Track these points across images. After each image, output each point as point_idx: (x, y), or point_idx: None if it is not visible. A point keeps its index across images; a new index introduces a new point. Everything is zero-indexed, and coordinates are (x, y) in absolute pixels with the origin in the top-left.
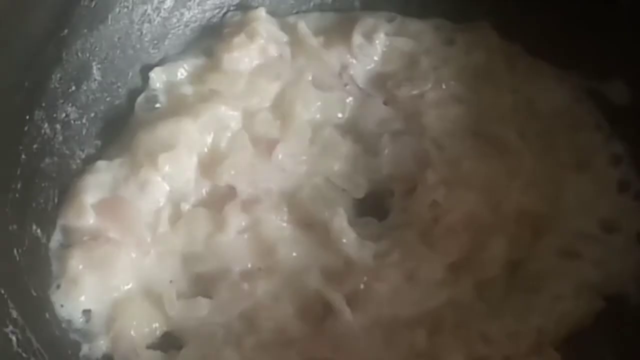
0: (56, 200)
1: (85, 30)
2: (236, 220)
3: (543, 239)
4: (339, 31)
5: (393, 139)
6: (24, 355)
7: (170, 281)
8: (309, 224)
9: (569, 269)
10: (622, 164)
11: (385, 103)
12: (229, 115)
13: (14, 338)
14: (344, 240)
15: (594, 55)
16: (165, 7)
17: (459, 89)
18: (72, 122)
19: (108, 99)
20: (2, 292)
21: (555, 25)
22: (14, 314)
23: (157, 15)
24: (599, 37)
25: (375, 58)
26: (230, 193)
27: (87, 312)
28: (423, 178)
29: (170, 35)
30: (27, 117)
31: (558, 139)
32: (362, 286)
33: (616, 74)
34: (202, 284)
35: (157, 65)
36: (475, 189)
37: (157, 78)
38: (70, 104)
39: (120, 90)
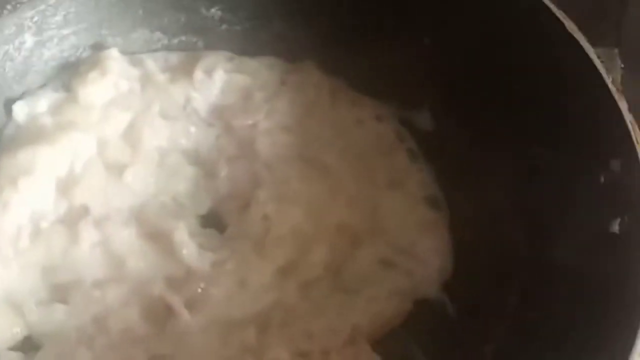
0: None
1: None
2: (89, 235)
3: (361, 248)
4: (183, 68)
5: (229, 163)
6: None
7: (31, 290)
8: (156, 238)
9: (384, 276)
10: (430, 184)
11: (223, 132)
12: (84, 142)
13: None
14: (185, 251)
15: (404, 88)
16: (26, 46)
17: (288, 119)
18: None
19: None
20: None
21: (372, 62)
22: None
23: (19, 54)
24: (408, 72)
25: (215, 92)
26: (84, 211)
27: None
28: (256, 196)
29: (31, 72)
30: None
31: (374, 163)
32: (199, 291)
33: (423, 104)
34: (59, 293)
35: (19, 98)
36: (301, 205)
37: (20, 110)
38: None
39: None
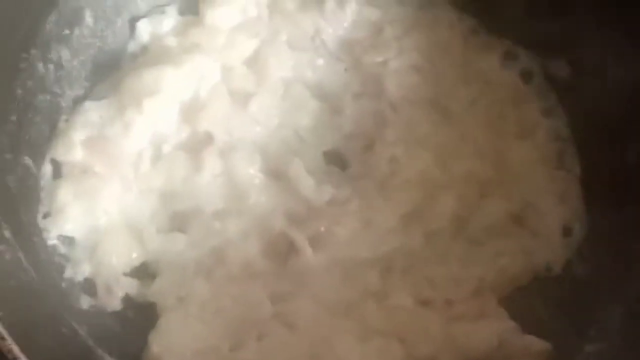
0: (47, 135)
1: None
2: (212, 164)
3: (489, 199)
4: None
5: (355, 100)
6: (14, 272)
7: (150, 216)
8: (277, 173)
9: (512, 231)
10: (562, 137)
11: (351, 67)
12: (209, 67)
13: (6, 256)
14: (302, 186)
15: (541, 35)
16: None
17: (419, 59)
18: (64, 63)
19: (98, 44)
20: None
21: (507, 5)
22: (7, 234)
23: None
24: (546, 20)
25: (345, 25)
26: (207, 139)
27: (71, 239)
28: (382, 136)
29: None
30: (24, 55)
31: (505, 110)
32: (323, 229)
33: (560, 53)
34: (178, 221)
35: (144, 16)
36: (429, 150)
37: (144, 28)
38: (63, 46)
39: (109, 37)
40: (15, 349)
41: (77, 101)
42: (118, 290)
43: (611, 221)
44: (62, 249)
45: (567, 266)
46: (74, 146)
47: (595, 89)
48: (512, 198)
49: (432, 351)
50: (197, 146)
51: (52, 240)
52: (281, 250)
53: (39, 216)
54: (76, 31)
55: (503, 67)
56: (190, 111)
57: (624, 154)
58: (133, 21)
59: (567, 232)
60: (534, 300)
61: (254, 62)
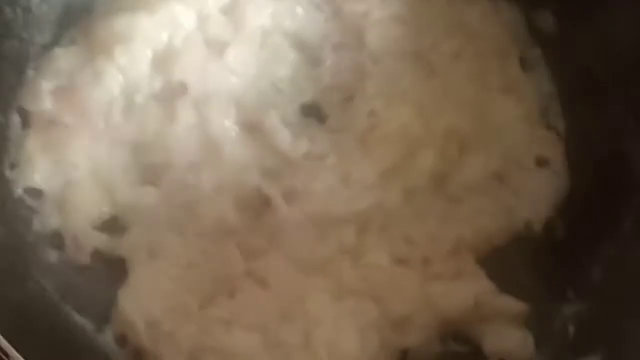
0: (15, 83)
1: None
2: (186, 116)
3: (469, 156)
4: None
5: (335, 51)
6: None
7: (121, 168)
8: (253, 125)
9: (492, 188)
10: (547, 91)
11: (332, 17)
12: (185, 14)
13: None
14: (278, 138)
15: None
16: None
17: (401, 10)
18: (33, 7)
19: None
20: None
21: None
22: None
23: None
24: None
25: None
26: (181, 89)
27: (39, 192)
28: (362, 89)
29: None
30: None
31: (488, 64)
32: (298, 184)
33: (545, 4)
34: (150, 174)
35: None
36: (410, 104)
37: None
38: None
39: None
40: None
41: (46, 48)
42: (87, 244)
43: (593, 180)
44: (30, 201)
45: (548, 225)
46: (42, 95)
47: (581, 43)
48: (493, 155)
49: (408, 311)
50: (170, 97)
51: (18, 192)
52: (255, 206)
53: (6, 167)
54: None
55: (487, 18)
56: (164, 60)
57: (609, 110)
58: None
59: (550, 191)
60: (513, 260)
61: (231, 10)
